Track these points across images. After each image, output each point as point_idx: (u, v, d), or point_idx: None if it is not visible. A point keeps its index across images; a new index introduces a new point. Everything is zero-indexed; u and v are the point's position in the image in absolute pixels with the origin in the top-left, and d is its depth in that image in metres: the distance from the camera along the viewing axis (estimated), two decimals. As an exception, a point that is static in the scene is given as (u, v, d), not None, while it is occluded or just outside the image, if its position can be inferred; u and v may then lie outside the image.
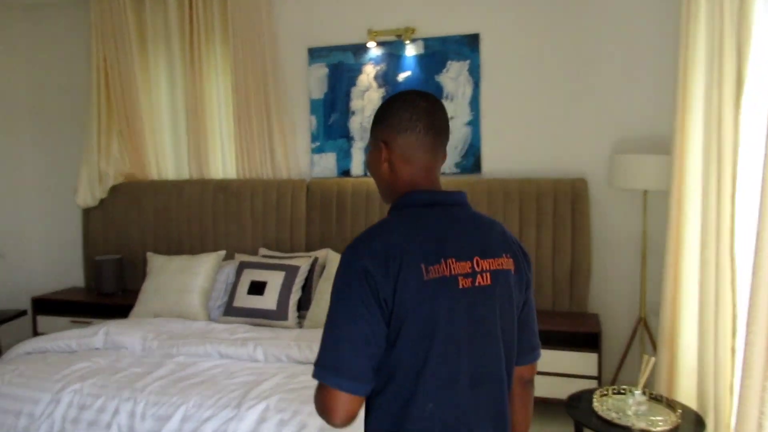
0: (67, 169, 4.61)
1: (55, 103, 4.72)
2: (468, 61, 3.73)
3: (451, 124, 3.74)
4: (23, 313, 3.29)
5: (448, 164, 3.78)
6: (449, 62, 3.76)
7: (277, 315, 3.33)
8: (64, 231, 4.74)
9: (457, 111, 3.76)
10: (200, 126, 4.17)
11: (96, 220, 4.40)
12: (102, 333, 2.98)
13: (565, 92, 3.57)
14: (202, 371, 2.62)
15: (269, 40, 3.95)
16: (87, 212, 4.44)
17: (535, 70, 3.62)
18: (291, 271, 3.45)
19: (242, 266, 3.58)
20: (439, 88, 3.78)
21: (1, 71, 4.59)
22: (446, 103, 3.78)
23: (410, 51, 3.82)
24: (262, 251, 3.85)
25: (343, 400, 1.14)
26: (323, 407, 1.15)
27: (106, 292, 4.14)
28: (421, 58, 3.81)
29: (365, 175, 3.95)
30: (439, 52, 3.78)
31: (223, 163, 4.27)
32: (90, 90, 4.30)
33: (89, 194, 4.30)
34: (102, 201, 4.36)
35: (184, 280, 3.59)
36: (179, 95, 4.28)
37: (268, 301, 3.36)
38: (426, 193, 1.29)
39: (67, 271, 4.72)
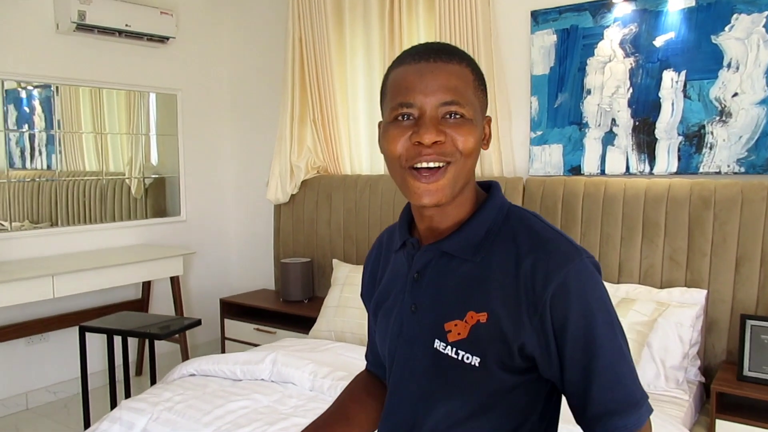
0: (263, 161, 4.33)
1: (253, 92, 4.46)
2: (765, 13, 2.60)
3: (733, 103, 2.63)
4: (198, 322, 2.94)
5: (725, 160, 2.69)
6: (735, 16, 2.66)
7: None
8: (258, 228, 4.47)
9: (743, 85, 2.65)
10: (398, 112, 3.55)
11: (286, 218, 4.03)
12: (269, 361, 2.48)
13: None
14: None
15: (482, 3, 3.17)
16: (278, 209, 4.09)
17: None
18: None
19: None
20: (717, 54, 2.69)
21: (207, 62, 4.43)
22: (728, 75, 2.68)
23: (675, 4, 2.78)
24: (465, 266, 3.10)
25: None
26: None
27: (292, 299, 3.73)
28: (690, 14, 2.75)
29: (602, 173, 3.01)
30: (721, 2, 2.69)
31: (422, 156, 3.61)
32: (285, 75, 3.92)
33: (280, 189, 3.93)
34: (293, 197, 3.98)
35: (371, 296, 2.99)
36: (377, 78, 3.71)
37: (470, 334, 2.60)
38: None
39: (260, 272, 4.45)
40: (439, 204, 0.92)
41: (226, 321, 3.89)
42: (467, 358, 0.92)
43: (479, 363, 0.91)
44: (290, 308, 3.65)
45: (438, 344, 0.94)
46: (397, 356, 1.02)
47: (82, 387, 2.93)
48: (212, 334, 4.36)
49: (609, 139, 2.99)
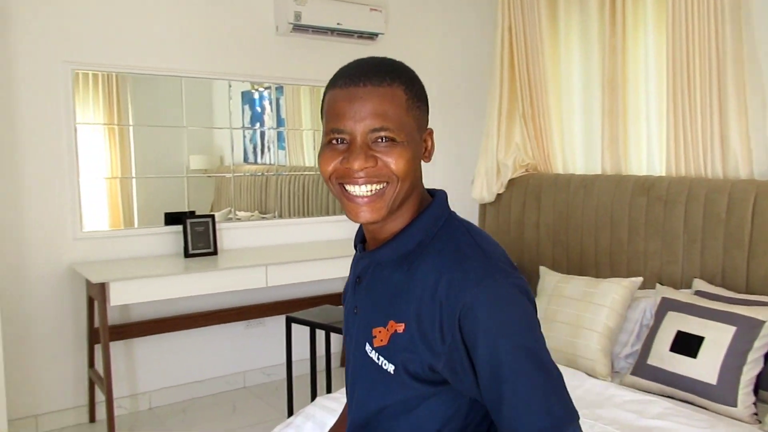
0: (469, 159, 4.18)
1: (460, 86, 4.34)
2: None
3: None
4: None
5: None
6: None
7: (719, 394, 2.14)
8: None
9: None
10: (619, 104, 3.16)
11: (491, 219, 3.83)
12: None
13: None
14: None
15: (731, -30, 2.66)
16: (483, 208, 3.91)
17: None
18: (747, 326, 2.19)
19: (665, 305, 2.47)
20: None
21: (415, 58, 4.38)
22: None
23: None
24: (698, 285, 2.63)
25: None
26: None
27: (494, 305, 3.53)
28: None
29: None
30: None
31: (647, 153, 3.18)
32: (493, 67, 3.72)
33: (485, 188, 3.75)
34: (499, 196, 3.77)
35: (583, 312, 2.68)
36: (594, 67, 3.35)
37: (705, 368, 2.18)
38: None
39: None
40: (375, 222, 0.97)
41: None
42: (385, 365, 0.97)
43: (393, 371, 0.96)
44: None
45: (367, 347, 1.00)
46: (348, 355, 1.12)
47: (287, 375, 3.05)
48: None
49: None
